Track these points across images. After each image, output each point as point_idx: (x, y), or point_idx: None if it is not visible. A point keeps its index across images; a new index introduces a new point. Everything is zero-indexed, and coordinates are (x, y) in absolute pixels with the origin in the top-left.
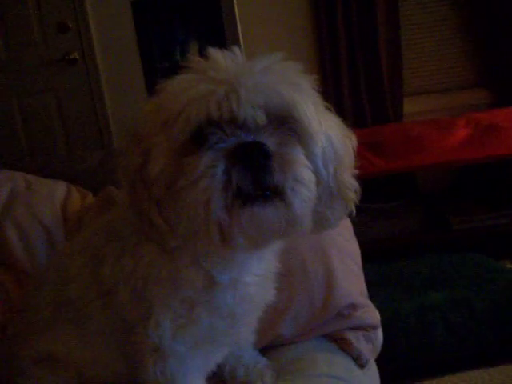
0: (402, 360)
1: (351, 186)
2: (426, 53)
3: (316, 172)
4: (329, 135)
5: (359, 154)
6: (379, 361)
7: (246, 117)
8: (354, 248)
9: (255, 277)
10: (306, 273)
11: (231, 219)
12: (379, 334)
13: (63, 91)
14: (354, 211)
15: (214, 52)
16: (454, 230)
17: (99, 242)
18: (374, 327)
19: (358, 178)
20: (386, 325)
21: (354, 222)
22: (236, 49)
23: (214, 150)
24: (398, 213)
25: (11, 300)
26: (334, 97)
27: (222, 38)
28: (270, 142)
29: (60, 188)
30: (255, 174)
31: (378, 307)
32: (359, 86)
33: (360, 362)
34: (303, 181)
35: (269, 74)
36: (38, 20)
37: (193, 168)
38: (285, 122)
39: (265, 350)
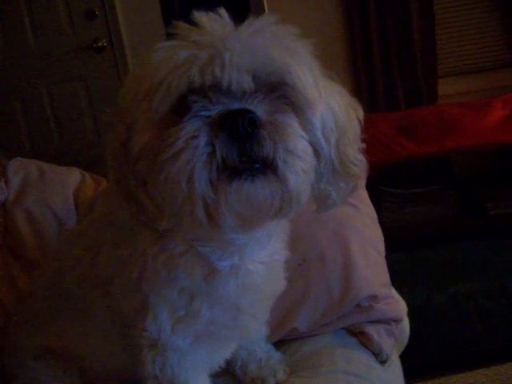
0: (434, 352)
1: (356, 161)
2: (462, 32)
3: (315, 144)
4: (329, 104)
5: (391, 138)
6: (408, 353)
7: (230, 82)
8: (376, 236)
9: (259, 265)
10: (324, 262)
11: (217, 195)
12: (404, 328)
13: (91, 78)
14: (357, 188)
15: (200, 15)
16: (490, 215)
17: (97, 229)
18: (397, 320)
19: (392, 163)
20: (417, 315)
21: (387, 208)
22: (223, 11)
23: (197, 119)
24: (432, 198)
25: (19, 289)
26: (366, 78)
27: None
28: (260, 110)
29: (73, 175)
30: (242, 144)
31: (409, 296)
32: (392, 67)
33: (381, 358)
34: (296, 152)
35: (258, 37)
36: (66, 7)
37: (174, 140)
38: (277, 89)
39: (279, 343)
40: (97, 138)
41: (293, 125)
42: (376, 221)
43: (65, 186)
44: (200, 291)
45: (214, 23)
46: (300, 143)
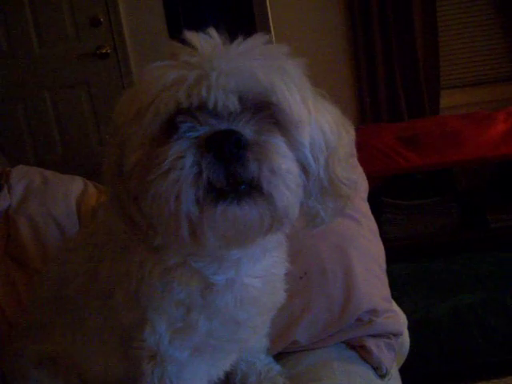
0: (434, 365)
1: (346, 180)
2: (465, 44)
3: (304, 162)
4: (319, 122)
5: (393, 149)
6: (408, 366)
7: (216, 102)
8: (377, 249)
9: (256, 278)
10: (324, 275)
11: (202, 215)
12: (404, 341)
13: (95, 85)
14: (346, 208)
15: (190, 35)
16: (491, 228)
17: (99, 240)
18: (397, 334)
19: (394, 174)
20: (416, 327)
21: (388, 219)
22: (213, 32)
23: (184, 139)
24: (433, 210)
25: (21, 297)
26: (369, 89)
27: (253, 27)
28: (246, 130)
29: (76, 184)
30: (228, 165)
31: (409, 308)
32: (395, 79)
33: (380, 372)
34: (280, 171)
35: (247, 57)
36: (71, 14)
37: (161, 160)
38: (264, 109)
39: (279, 356)
40: (99, 146)
41: (278, 144)
42: (377, 234)
43: (68, 194)
44: (196, 304)
45: (204, 43)
46: (285, 163)
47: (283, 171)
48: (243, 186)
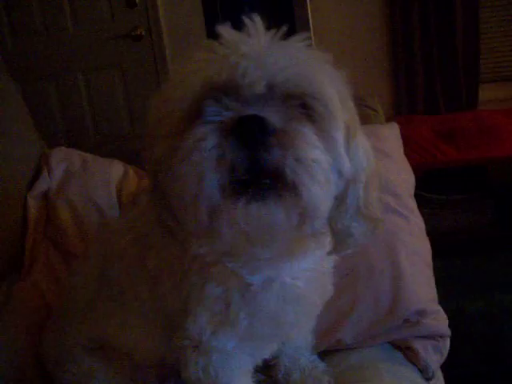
0: (467, 367)
1: (377, 208)
2: (505, 37)
3: (335, 162)
4: (363, 142)
5: (430, 143)
6: (441, 367)
7: (246, 81)
8: (424, 248)
9: (299, 278)
10: (372, 274)
11: (222, 206)
12: (447, 343)
13: (128, 66)
14: (376, 230)
15: (223, 29)
16: None
17: (146, 224)
18: (444, 336)
19: (430, 168)
20: (448, 327)
21: (423, 214)
22: (256, 19)
23: (208, 123)
24: (467, 206)
25: (60, 282)
26: (406, 82)
27: (292, 18)
28: (274, 118)
29: (116, 168)
30: (251, 151)
31: (441, 305)
32: (433, 71)
33: (426, 375)
34: (307, 161)
35: (285, 45)
36: None
37: (185, 143)
38: (296, 99)
39: (323, 354)
40: (131, 128)
41: (306, 133)
42: (424, 232)
43: (107, 178)
44: (235, 301)
45: (237, 36)
46: (312, 152)
47: (310, 161)
48: (268, 180)
